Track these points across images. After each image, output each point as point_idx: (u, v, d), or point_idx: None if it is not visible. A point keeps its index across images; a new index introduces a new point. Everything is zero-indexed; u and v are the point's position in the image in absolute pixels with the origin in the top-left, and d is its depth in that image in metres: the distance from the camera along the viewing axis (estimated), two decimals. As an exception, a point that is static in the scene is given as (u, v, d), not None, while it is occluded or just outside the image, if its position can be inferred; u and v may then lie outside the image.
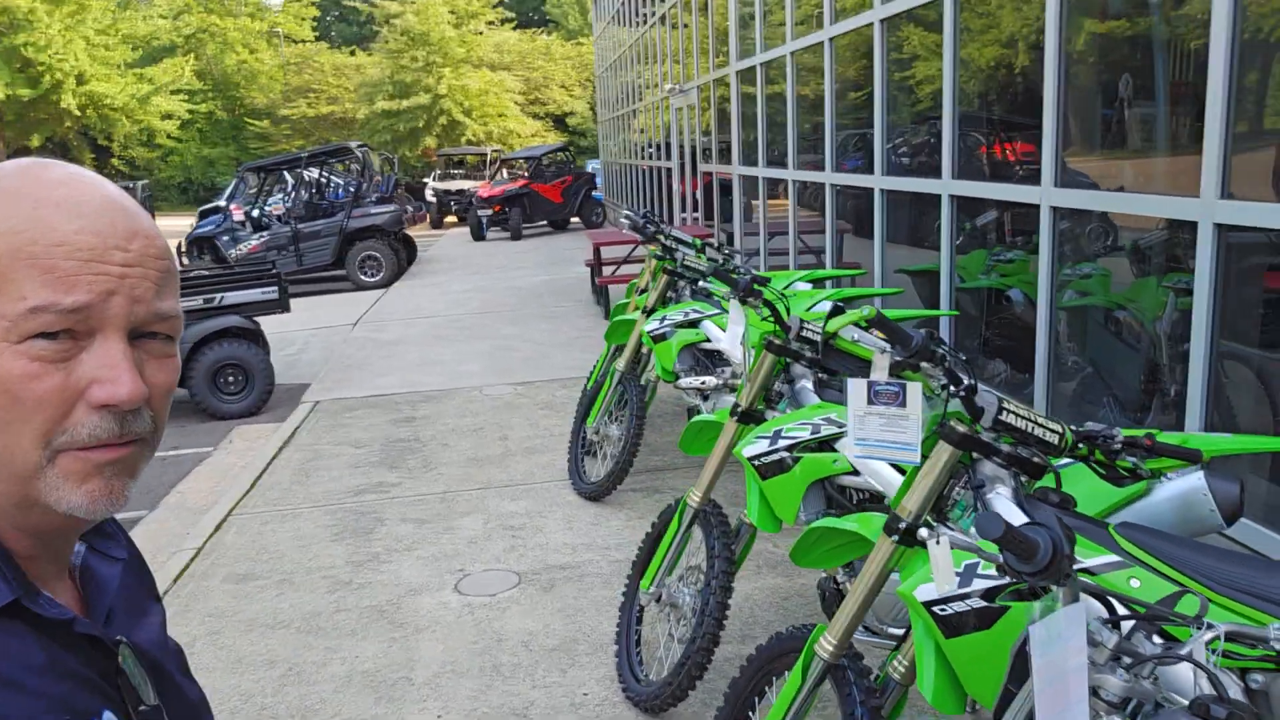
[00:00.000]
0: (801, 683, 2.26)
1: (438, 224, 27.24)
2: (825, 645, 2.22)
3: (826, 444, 2.79)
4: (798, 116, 7.57)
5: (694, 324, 4.82)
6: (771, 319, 2.93)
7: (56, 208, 0.74)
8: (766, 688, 2.57)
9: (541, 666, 3.57)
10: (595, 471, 5.34)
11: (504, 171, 24.63)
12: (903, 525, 2.04)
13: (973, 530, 2.01)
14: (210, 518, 5.30)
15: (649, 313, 5.10)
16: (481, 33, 37.55)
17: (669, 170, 14.34)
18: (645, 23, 15.22)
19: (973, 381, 1.99)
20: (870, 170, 6.14)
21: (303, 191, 15.33)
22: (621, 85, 19.84)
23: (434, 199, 27.64)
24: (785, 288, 5.80)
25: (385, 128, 35.49)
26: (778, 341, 2.93)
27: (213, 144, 44.80)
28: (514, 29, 40.85)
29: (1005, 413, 1.92)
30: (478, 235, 21.49)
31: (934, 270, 5.78)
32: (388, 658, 3.71)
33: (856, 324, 2.02)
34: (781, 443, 2.82)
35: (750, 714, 2.61)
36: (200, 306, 7.83)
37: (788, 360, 3.02)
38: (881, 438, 2.00)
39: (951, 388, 1.99)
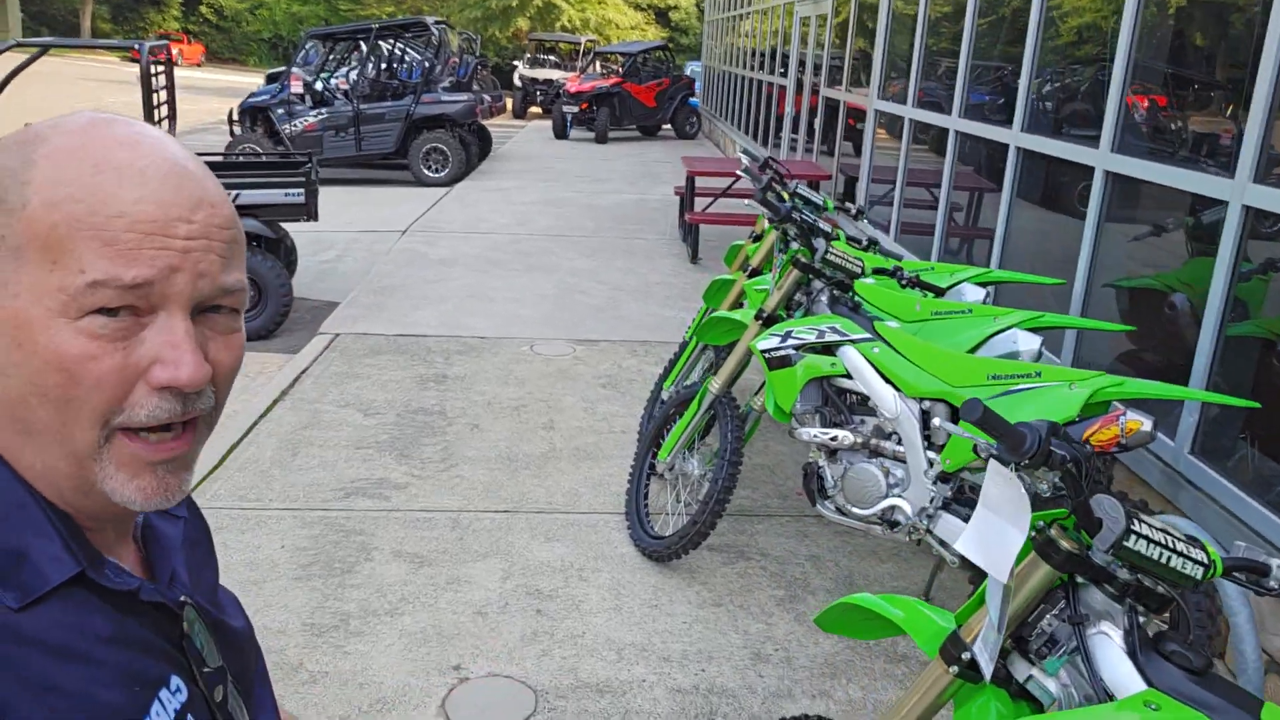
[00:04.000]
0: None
1: (520, 113, 25.58)
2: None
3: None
4: (974, 46, 5.84)
5: (830, 348, 3.31)
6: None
7: (117, 173, 0.68)
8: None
9: None
10: (663, 511, 3.93)
11: (596, 65, 22.78)
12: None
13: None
14: (152, 509, 4.02)
15: (767, 321, 3.60)
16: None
17: (781, 88, 12.51)
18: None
19: None
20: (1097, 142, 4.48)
21: (369, 68, 13.77)
22: (737, -17, 17.75)
23: (520, 87, 25.92)
24: (949, 287, 4.24)
25: (477, 2, 33.52)
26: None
27: (304, 1, 43.19)
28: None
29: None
30: (560, 133, 19.84)
31: (1162, 289, 4.11)
32: None
33: None
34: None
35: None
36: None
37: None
38: None
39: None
